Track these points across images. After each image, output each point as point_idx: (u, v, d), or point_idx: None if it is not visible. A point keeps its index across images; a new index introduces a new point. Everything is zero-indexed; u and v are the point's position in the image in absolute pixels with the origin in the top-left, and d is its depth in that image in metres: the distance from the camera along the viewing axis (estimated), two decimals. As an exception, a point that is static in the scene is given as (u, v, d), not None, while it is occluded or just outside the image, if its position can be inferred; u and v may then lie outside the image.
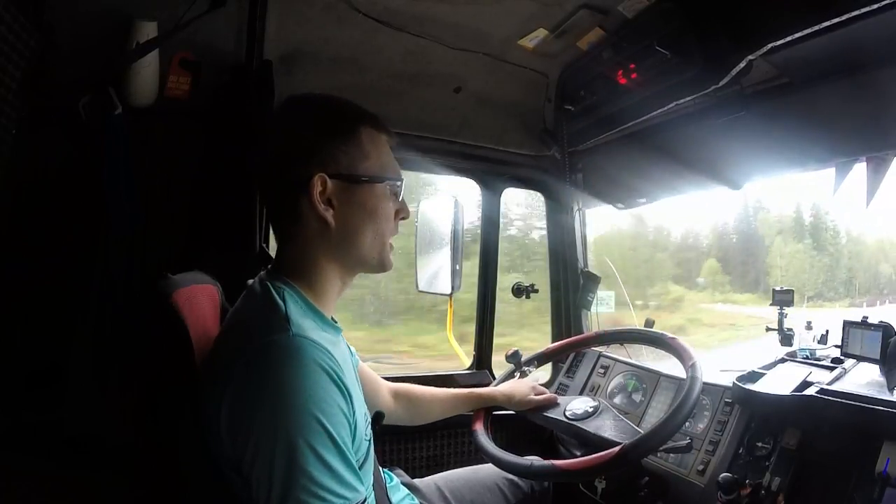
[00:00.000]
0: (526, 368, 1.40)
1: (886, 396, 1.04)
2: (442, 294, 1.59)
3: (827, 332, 1.37)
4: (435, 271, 1.58)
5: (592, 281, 1.80)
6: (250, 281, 0.81)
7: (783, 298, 1.44)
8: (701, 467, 1.17)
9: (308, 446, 0.62)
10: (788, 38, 0.97)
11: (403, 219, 0.85)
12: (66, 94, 1.08)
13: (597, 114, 1.52)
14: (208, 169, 1.21)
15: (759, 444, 1.12)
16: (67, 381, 1.10)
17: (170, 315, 0.74)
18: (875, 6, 0.85)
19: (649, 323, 1.57)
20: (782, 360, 1.32)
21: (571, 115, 1.60)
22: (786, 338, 1.41)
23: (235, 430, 0.66)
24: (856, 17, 0.88)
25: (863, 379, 1.16)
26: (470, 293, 1.74)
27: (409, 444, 1.52)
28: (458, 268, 1.53)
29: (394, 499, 0.99)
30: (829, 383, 1.11)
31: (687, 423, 1.13)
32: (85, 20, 1.10)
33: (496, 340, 1.76)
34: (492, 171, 1.72)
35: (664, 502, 1.19)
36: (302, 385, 0.64)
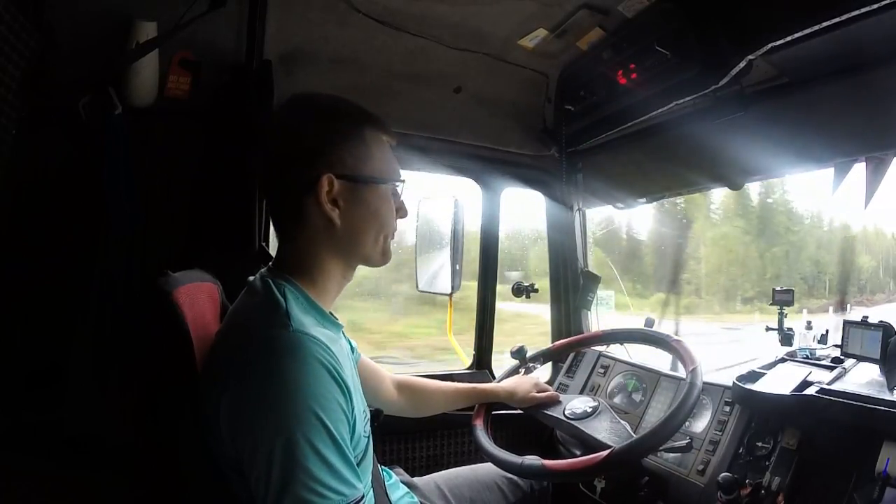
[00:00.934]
0: (530, 365, 1.41)
1: (886, 396, 1.04)
2: (442, 294, 1.60)
3: (827, 331, 1.37)
4: (435, 271, 1.59)
5: (592, 281, 1.81)
6: (251, 277, 0.81)
7: (783, 298, 1.45)
8: (701, 467, 1.17)
9: (307, 442, 0.62)
10: (788, 38, 0.97)
11: (402, 217, 0.86)
12: (66, 94, 1.08)
13: (597, 114, 1.52)
14: (208, 169, 1.21)
15: (759, 444, 1.12)
16: (67, 381, 1.10)
17: (170, 313, 0.74)
18: (875, 6, 0.85)
19: (649, 322, 1.57)
20: (782, 360, 1.32)
21: (571, 115, 1.59)
22: (786, 338, 1.41)
23: (235, 427, 0.66)
24: (856, 17, 0.88)
25: (863, 379, 1.15)
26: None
27: (408, 443, 1.53)
28: (458, 268, 1.53)
29: (393, 497, 0.99)
30: (829, 383, 1.11)
31: (687, 423, 1.13)
32: (85, 20, 1.10)
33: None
34: (492, 171, 1.72)
35: (664, 502, 1.19)
36: (302, 381, 0.64)
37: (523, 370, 1.40)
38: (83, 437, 1.05)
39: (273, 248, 1.27)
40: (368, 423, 0.81)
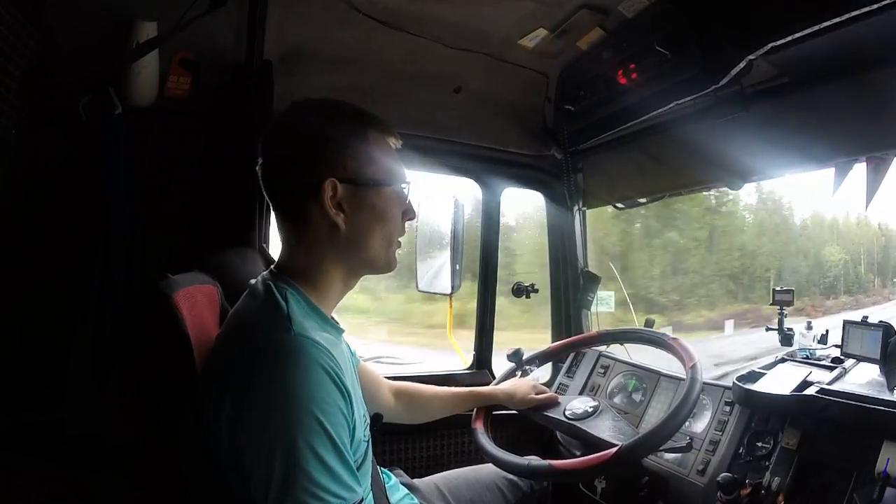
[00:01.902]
0: (527, 367, 1.40)
1: (886, 396, 1.04)
2: (442, 294, 1.60)
3: (827, 331, 1.37)
4: (435, 271, 1.59)
5: (592, 281, 1.80)
6: (252, 281, 0.81)
7: (783, 298, 1.45)
8: (701, 467, 1.17)
9: (308, 446, 0.62)
10: (788, 38, 0.97)
11: (410, 220, 0.85)
12: (66, 94, 1.08)
13: (597, 114, 1.52)
14: (208, 169, 1.21)
15: (759, 444, 1.12)
16: (67, 381, 1.10)
17: (170, 315, 0.74)
18: (875, 6, 0.85)
19: (649, 323, 1.57)
20: (782, 360, 1.32)
21: (571, 115, 1.59)
22: (786, 338, 1.41)
23: (236, 430, 0.66)
24: (856, 17, 0.88)
25: (863, 379, 1.16)
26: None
27: (408, 443, 1.52)
28: (458, 268, 1.53)
29: (392, 499, 0.99)
30: (829, 383, 1.11)
31: (687, 423, 1.13)
32: (85, 20, 1.10)
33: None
34: (492, 171, 1.72)
35: (664, 502, 1.19)
36: (303, 385, 0.64)
37: (520, 373, 1.39)
38: (83, 437, 1.05)
39: (273, 248, 1.27)
40: (368, 428, 0.81)
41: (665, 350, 1.24)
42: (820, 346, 1.35)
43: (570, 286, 1.83)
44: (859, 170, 1.19)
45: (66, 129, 1.11)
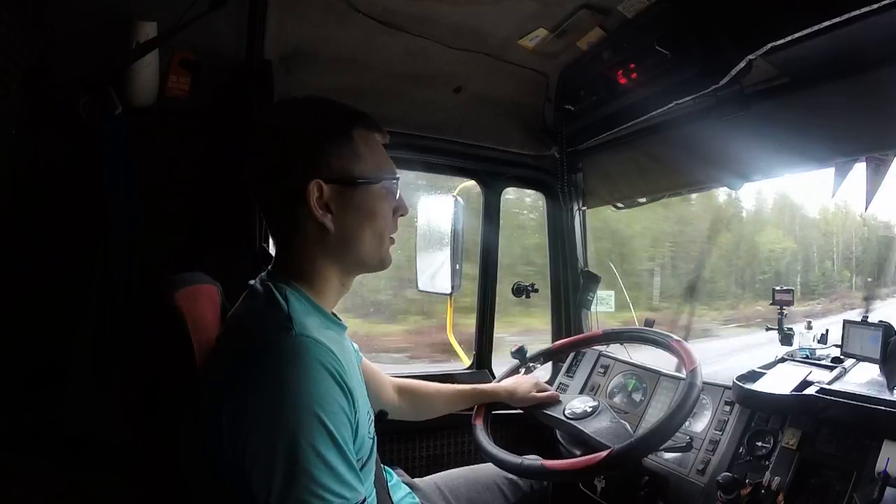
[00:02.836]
0: (530, 365, 1.41)
1: (886, 396, 1.04)
2: (442, 293, 1.60)
3: (827, 331, 1.37)
4: (435, 271, 1.59)
5: (592, 281, 1.81)
6: (252, 281, 0.81)
7: (783, 298, 1.45)
8: (701, 467, 1.17)
9: (310, 446, 0.62)
10: (788, 38, 0.97)
11: (402, 215, 0.84)
12: (66, 94, 1.08)
13: (597, 114, 1.52)
14: (208, 169, 1.21)
15: (759, 444, 1.12)
16: (67, 381, 1.10)
17: (170, 315, 0.74)
18: (875, 6, 0.85)
19: (649, 323, 1.57)
20: (782, 360, 1.32)
21: (571, 115, 1.60)
22: (786, 337, 1.41)
23: (237, 430, 0.66)
24: (856, 17, 0.88)
25: (863, 378, 1.16)
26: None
27: (409, 443, 1.53)
28: (458, 267, 1.53)
29: (395, 497, 0.99)
30: (829, 383, 1.12)
31: (687, 423, 1.13)
32: (85, 20, 1.10)
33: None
34: (492, 171, 1.72)
35: (664, 502, 1.19)
36: (304, 385, 0.64)
37: (523, 370, 1.40)
38: (83, 437, 1.05)
39: (273, 248, 1.27)
40: (373, 424, 0.81)
41: (668, 352, 1.24)
42: (820, 345, 1.35)
43: (569, 286, 1.83)
44: (859, 169, 1.19)
45: (66, 129, 1.11)
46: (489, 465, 1.18)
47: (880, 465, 0.91)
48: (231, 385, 0.67)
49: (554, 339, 1.81)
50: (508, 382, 1.32)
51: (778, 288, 1.47)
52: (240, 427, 0.65)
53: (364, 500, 0.67)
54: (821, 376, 1.17)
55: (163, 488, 0.81)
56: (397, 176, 0.82)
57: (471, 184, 1.75)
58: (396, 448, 1.51)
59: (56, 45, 1.06)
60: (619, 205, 1.80)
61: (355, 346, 0.97)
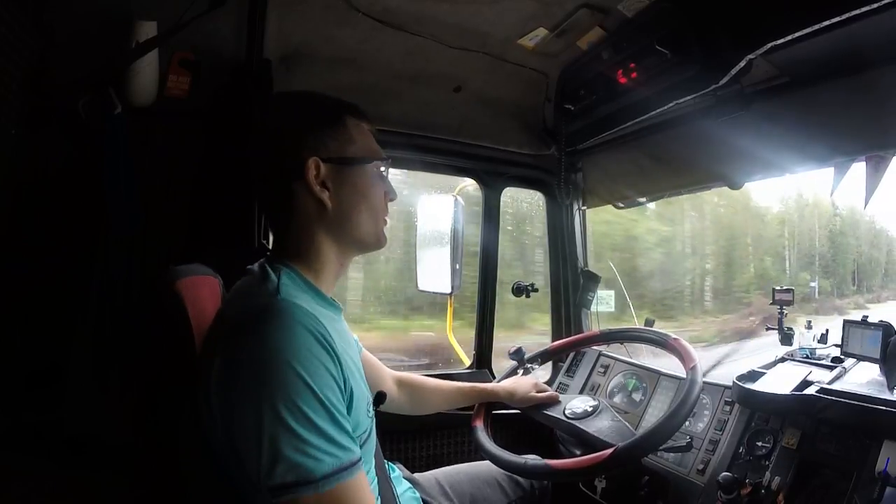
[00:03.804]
0: (529, 366, 1.41)
1: (886, 396, 1.04)
2: (442, 293, 1.60)
3: (827, 331, 1.37)
4: (435, 270, 1.59)
5: (592, 280, 1.81)
6: (250, 266, 0.82)
7: (783, 298, 1.45)
8: (701, 466, 1.17)
9: (294, 405, 0.62)
10: (788, 38, 0.97)
11: (391, 200, 0.88)
12: (66, 94, 1.08)
13: (596, 113, 1.52)
14: (208, 168, 1.21)
15: (759, 444, 1.12)
16: (67, 381, 1.10)
17: (173, 304, 0.75)
18: (875, 6, 0.85)
19: (649, 322, 1.57)
20: (782, 360, 1.32)
21: (571, 115, 1.60)
22: (786, 337, 1.41)
23: (224, 398, 0.66)
24: (856, 17, 0.88)
25: (863, 378, 1.16)
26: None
27: (409, 442, 1.53)
28: (458, 267, 1.53)
29: (397, 490, 0.99)
30: (829, 383, 1.12)
31: (687, 423, 1.13)
32: (85, 20, 1.10)
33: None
34: (492, 171, 1.72)
35: (664, 501, 1.19)
36: (285, 344, 0.64)
37: (521, 371, 1.40)
38: (83, 437, 1.05)
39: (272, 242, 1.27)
40: (371, 406, 0.81)
41: (667, 350, 1.24)
42: (820, 345, 1.35)
43: (569, 286, 1.83)
44: (858, 169, 1.20)
45: (66, 129, 1.11)
46: (489, 463, 1.18)
47: (880, 465, 0.91)
48: (217, 355, 0.67)
49: (554, 339, 1.81)
50: (508, 383, 1.32)
51: (778, 288, 1.47)
52: (226, 394, 0.65)
53: (359, 459, 0.66)
54: (821, 376, 1.17)
55: (163, 488, 0.81)
56: (387, 159, 0.86)
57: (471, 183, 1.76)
58: (396, 446, 1.51)
59: (56, 45, 1.06)
60: (619, 204, 1.80)
61: (355, 337, 0.98)
